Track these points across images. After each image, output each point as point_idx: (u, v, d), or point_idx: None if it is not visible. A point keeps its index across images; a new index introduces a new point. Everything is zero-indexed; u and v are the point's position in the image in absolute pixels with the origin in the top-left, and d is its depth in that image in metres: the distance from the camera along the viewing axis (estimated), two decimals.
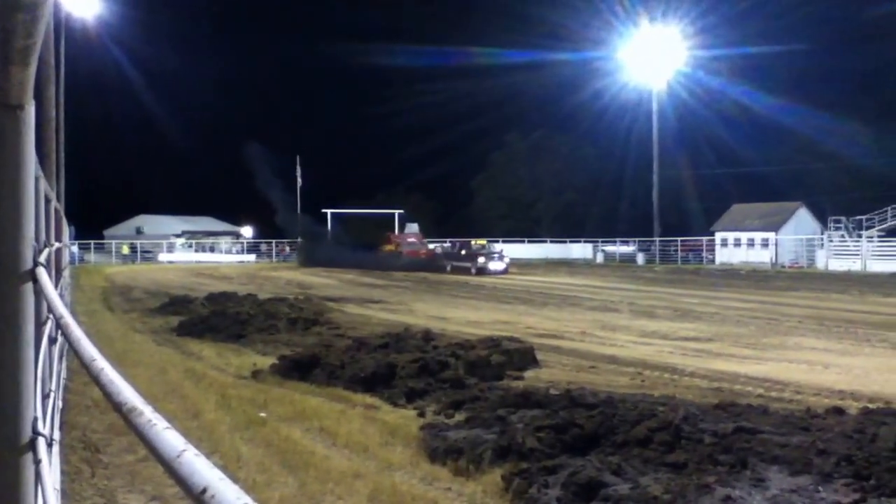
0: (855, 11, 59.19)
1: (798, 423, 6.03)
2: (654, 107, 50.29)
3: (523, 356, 10.49)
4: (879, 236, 41.45)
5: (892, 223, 42.06)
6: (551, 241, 56.39)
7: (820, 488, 4.53)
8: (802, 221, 47.27)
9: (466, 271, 37.18)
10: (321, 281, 31.52)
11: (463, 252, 39.12)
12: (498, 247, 43.48)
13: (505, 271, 36.96)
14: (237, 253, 55.72)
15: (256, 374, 9.72)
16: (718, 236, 49.13)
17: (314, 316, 16.13)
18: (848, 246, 40.91)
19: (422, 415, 7.42)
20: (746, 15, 56.81)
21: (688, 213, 55.15)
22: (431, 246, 45.82)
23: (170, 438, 0.75)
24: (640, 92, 51.85)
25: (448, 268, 39.01)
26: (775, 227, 46.40)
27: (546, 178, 67.10)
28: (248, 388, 8.86)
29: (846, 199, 44.62)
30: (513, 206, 67.92)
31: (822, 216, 46.06)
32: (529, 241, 56.49)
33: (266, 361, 10.56)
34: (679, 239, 49.91)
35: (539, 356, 10.83)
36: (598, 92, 54.66)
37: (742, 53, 52.16)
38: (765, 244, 45.81)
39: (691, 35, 48.07)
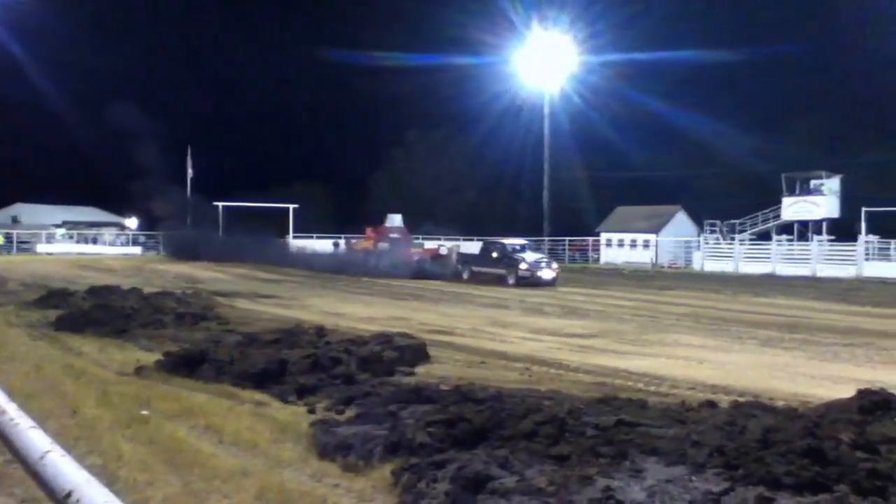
0: (741, 19, 62.20)
1: (674, 416, 6.33)
2: (546, 110, 51.54)
3: (415, 352, 10.54)
4: (751, 240, 43.90)
5: (763, 227, 44.68)
6: (445, 239, 56.79)
7: (693, 478, 4.77)
8: (681, 224, 49.73)
9: (498, 280, 28.13)
10: (211, 275, 30.64)
11: (494, 255, 29.32)
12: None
13: (554, 281, 27.95)
14: (122, 245, 53.47)
15: (140, 371, 9.36)
16: (604, 237, 51.00)
17: (203, 311, 15.66)
18: (722, 248, 43.11)
19: (312, 411, 7.35)
20: (636, 21, 58.90)
21: (577, 214, 56.76)
22: (432, 245, 37.37)
23: (34, 438, 0.73)
24: (535, 96, 52.96)
25: (465, 274, 29.95)
26: (656, 229, 48.58)
27: (446, 176, 67.60)
28: (131, 385, 8.53)
29: (722, 204, 46.98)
30: (411, 204, 68.04)
31: (699, 219, 48.41)
32: (424, 238, 56.69)
33: (151, 357, 10.18)
34: (567, 239, 51.36)
35: (431, 352, 10.91)
36: (497, 95, 55.48)
37: (631, 59, 53.98)
38: (646, 245, 47.82)
39: (583, 40, 49.46)
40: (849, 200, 40.81)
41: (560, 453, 5.25)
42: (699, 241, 44.84)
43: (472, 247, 35.60)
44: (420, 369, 9.96)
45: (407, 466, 5.05)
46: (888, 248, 36.31)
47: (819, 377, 9.97)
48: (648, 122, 58.16)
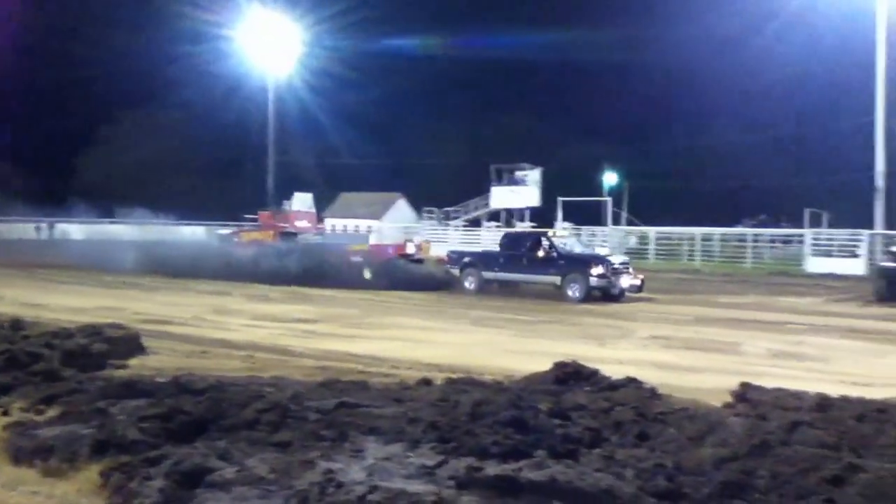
0: (464, 13, 65.42)
1: (393, 396, 6.58)
2: (271, 95, 50.58)
3: (128, 343, 9.87)
4: (464, 225, 46.86)
5: (474, 214, 47.93)
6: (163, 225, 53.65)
7: (410, 454, 5.01)
8: (401, 210, 51.77)
9: (548, 294, 19.52)
10: None
11: (540, 254, 19.86)
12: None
13: (640, 289, 19.69)
14: None
15: None
16: (328, 223, 51.41)
17: None
18: (438, 233, 45.49)
19: (6, 413, 6.60)
20: (362, 7, 59.63)
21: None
22: (394, 238, 29.44)
23: None
24: (260, 79, 51.72)
25: (469, 283, 20.60)
26: (378, 215, 50.08)
27: (164, 158, 63.58)
28: None
29: (438, 191, 49.55)
30: (124, 186, 63.10)
31: (418, 206, 50.71)
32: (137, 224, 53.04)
33: None
34: (288, 227, 50.97)
35: (147, 343, 10.27)
36: (220, 76, 53.21)
37: (356, 46, 54.69)
38: (369, 231, 49.10)
39: (308, 25, 49.14)
40: (548, 190, 44.93)
41: (282, 440, 5.23)
42: (418, 227, 46.86)
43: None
44: (134, 362, 9.35)
45: (117, 465, 4.74)
46: (580, 234, 40.60)
47: (523, 352, 10.93)
48: (371, 110, 59.49)
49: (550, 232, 22.72)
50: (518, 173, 46.31)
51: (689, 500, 4.35)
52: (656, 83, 59.86)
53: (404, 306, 17.20)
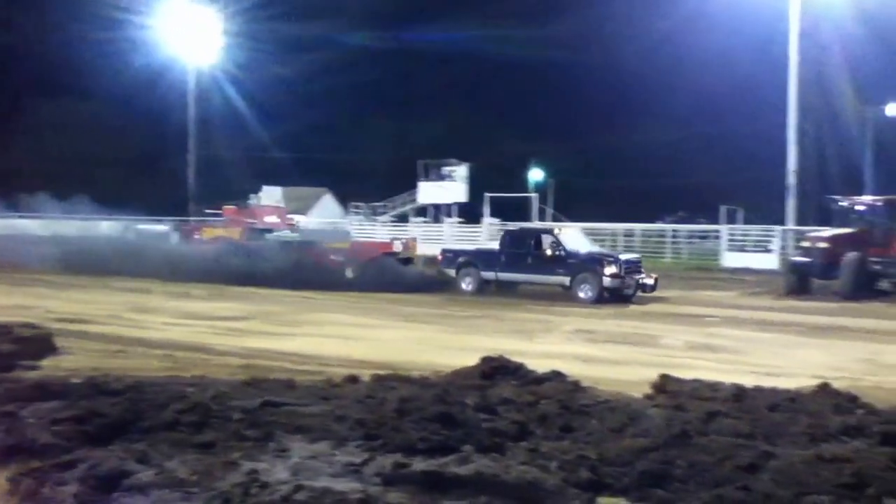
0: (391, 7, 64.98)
1: (319, 394, 6.51)
2: (191, 86, 49.37)
3: (40, 343, 9.50)
4: (391, 221, 46.75)
5: (402, 209, 47.90)
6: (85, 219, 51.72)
7: (336, 452, 4.97)
8: (328, 206, 51.28)
9: (556, 295, 18.32)
10: None
11: (548, 252, 18.69)
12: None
13: (653, 288, 18.56)
14: None
15: None
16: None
17: None
18: (366, 229, 45.26)
19: None
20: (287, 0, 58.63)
21: (226, 195, 55.34)
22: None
23: None
24: (184, 71, 50.38)
25: (467, 284, 19.41)
26: (304, 210, 49.46)
27: (82, 149, 61.21)
28: None
29: (365, 187, 49.29)
30: (35, 177, 60.48)
31: (345, 201, 50.35)
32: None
33: None
34: (210, 220, 49.85)
35: (60, 343, 9.90)
36: (138, 66, 51.47)
37: (279, 38, 53.76)
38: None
39: (229, 15, 48.08)
40: (475, 186, 45.18)
41: (204, 441, 5.12)
42: (345, 223, 46.50)
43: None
44: (46, 363, 8.99)
45: (27, 471, 4.55)
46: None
47: (452, 348, 10.95)
48: (297, 103, 58.59)
49: (556, 228, 21.24)
50: (445, 169, 46.39)
51: (611, 491, 4.44)
52: (582, 81, 60.75)
53: (336, 303, 17.02)
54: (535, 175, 59.46)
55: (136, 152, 59.87)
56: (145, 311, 14.79)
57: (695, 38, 38.96)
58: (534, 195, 44.46)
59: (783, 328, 14.02)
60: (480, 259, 19.84)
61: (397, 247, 21.67)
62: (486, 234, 35.64)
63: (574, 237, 20.12)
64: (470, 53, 59.65)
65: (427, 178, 47.06)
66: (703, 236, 35.44)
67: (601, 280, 17.66)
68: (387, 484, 4.37)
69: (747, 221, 34.89)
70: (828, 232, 21.19)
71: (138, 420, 5.46)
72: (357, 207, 48.16)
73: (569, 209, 46.29)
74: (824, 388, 6.53)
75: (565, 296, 18.14)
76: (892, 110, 43.12)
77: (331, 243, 22.40)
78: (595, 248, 20.36)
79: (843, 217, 21.52)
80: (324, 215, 50.08)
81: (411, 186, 47.85)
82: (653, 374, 7.26)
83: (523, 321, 14.48)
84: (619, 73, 57.05)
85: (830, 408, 5.96)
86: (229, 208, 27.49)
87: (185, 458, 4.77)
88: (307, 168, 54.80)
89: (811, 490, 4.15)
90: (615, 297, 17.78)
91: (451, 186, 45.79)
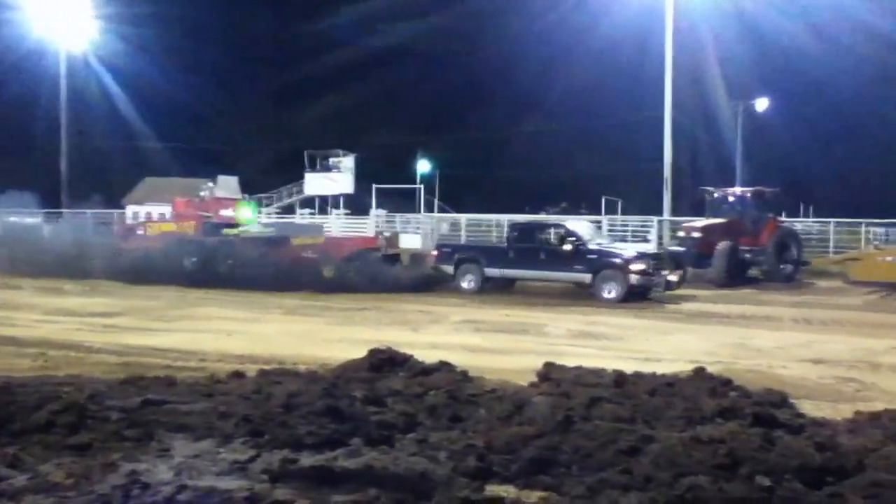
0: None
1: (202, 391, 6.33)
2: (63, 70, 46.69)
3: None
4: (277, 213, 45.94)
5: (288, 201, 47.21)
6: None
7: (221, 449, 4.85)
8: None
9: (573, 294, 17.40)
10: None
11: (566, 247, 17.14)
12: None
13: (678, 285, 17.41)
14: None
15: None
16: (130, 209, 48.44)
17: None
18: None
19: None
20: None
21: (102, 186, 52.84)
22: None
23: None
24: (56, 56, 47.53)
25: (466, 282, 18.13)
26: None
27: None
28: None
29: (251, 178, 48.14)
30: None
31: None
32: None
33: None
34: (89, 212, 47.51)
35: None
36: (8, 50, 48.27)
37: (155, 26, 51.71)
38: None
39: (106, 1, 45.81)
40: (362, 177, 44.94)
41: (80, 442, 4.89)
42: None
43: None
44: None
45: None
46: (394, 221, 40.94)
47: (338, 340, 10.90)
48: (180, 92, 56.54)
49: (569, 222, 19.19)
50: (332, 160, 45.91)
51: (499, 478, 4.54)
52: (467, 73, 61.70)
53: (212, 297, 16.55)
54: (422, 166, 59.70)
55: (2, 140, 56.24)
56: (13, 308, 14.01)
57: (577, 32, 40.08)
58: (420, 186, 44.60)
59: (659, 315, 14.67)
60: (484, 255, 18.44)
61: (382, 241, 20.10)
62: (374, 226, 35.57)
63: (587, 231, 18.60)
64: (359, 44, 59.32)
65: (313, 169, 46.45)
66: None
67: (628, 278, 16.38)
68: (274, 480, 4.31)
69: (626, 212, 36.18)
70: (701, 222, 22.29)
71: (9, 422, 5.16)
72: (242, 198, 46.90)
73: (455, 200, 46.79)
74: (700, 373, 6.84)
75: (444, 287, 18.27)
76: (761, 105, 45.83)
77: (301, 239, 20.60)
78: (609, 244, 19.07)
79: (716, 207, 22.71)
80: None
81: (298, 178, 47.12)
82: (538, 363, 7.44)
83: (408, 312, 14.53)
84: (506, 66, 58.15)
85: (706, 391, 6.25)
86: (180, 201, 24.80)
87: (60, 461, 4.54)
88: (189, 158, 53.07)
89: (689, 471, 4.34)
90: (639, 295, 16.56)
91: (337, 177, 45.36)
